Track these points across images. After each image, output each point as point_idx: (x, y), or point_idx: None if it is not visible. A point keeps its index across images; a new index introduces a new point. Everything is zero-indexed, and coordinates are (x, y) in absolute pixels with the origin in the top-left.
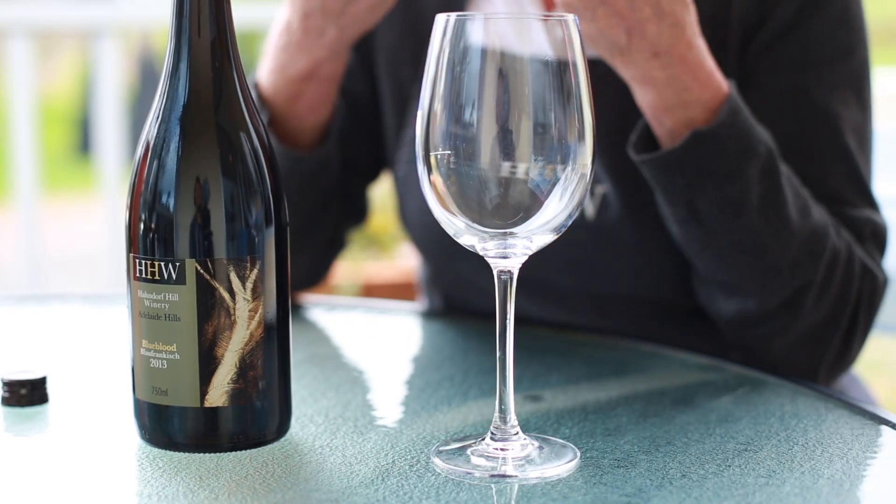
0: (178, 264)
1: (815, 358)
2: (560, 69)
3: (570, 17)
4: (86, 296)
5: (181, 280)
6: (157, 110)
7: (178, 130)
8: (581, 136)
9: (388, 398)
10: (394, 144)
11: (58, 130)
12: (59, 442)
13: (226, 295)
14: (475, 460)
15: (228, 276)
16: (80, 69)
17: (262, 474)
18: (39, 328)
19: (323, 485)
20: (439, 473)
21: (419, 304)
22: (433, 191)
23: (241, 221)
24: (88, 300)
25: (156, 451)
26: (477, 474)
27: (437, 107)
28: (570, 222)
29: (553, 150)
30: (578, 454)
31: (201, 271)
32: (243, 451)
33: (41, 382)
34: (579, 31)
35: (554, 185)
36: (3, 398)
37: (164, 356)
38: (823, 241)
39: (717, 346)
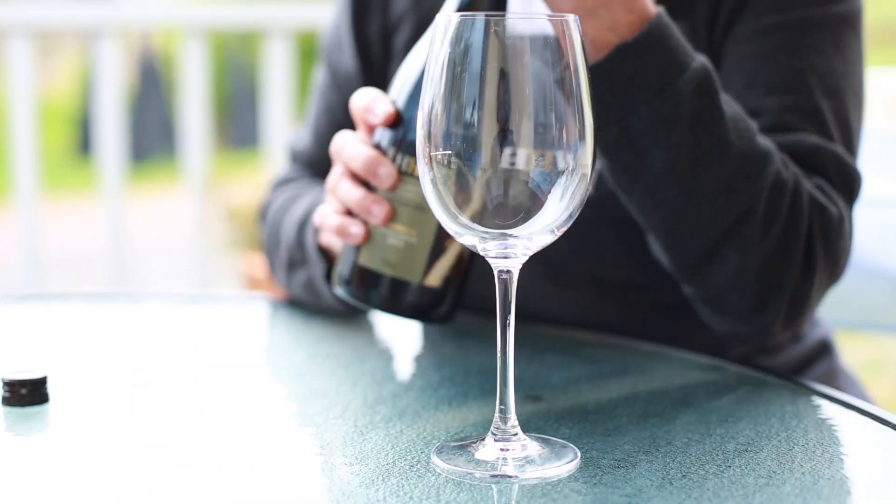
0: None
1: (776, 303)
2: (560, 69)
3: (571, 17)
4: (86, 296)
5: None
6: None
7: None
8: (581, 136)
9: (388, 398)
10: None
11: (58, 130)
12: (59, 442)
13: None
14: (475, 460)
15: None
16: (80, 69)
17: (262, 474)
18: (39, 328)
19: (323, 485)
20: (439, 473)
21: None
22: (434, 191)
23: None
24: (88, 300)
25: (155, 450)
26: (477, 474)
27: (438, 107)
28: (570, 223)
29: (553, 150)
30: (579, 454)
31: None
32: (242, 453)
33: (41, 382)
34: (580, 31)
35: (554, 185)
36: (4, 398)
37: (404, 238)
38: (763, 166)
39: (716, 340)
